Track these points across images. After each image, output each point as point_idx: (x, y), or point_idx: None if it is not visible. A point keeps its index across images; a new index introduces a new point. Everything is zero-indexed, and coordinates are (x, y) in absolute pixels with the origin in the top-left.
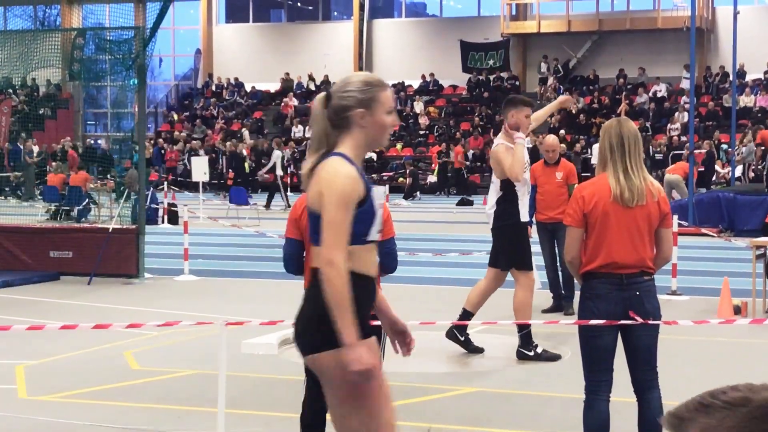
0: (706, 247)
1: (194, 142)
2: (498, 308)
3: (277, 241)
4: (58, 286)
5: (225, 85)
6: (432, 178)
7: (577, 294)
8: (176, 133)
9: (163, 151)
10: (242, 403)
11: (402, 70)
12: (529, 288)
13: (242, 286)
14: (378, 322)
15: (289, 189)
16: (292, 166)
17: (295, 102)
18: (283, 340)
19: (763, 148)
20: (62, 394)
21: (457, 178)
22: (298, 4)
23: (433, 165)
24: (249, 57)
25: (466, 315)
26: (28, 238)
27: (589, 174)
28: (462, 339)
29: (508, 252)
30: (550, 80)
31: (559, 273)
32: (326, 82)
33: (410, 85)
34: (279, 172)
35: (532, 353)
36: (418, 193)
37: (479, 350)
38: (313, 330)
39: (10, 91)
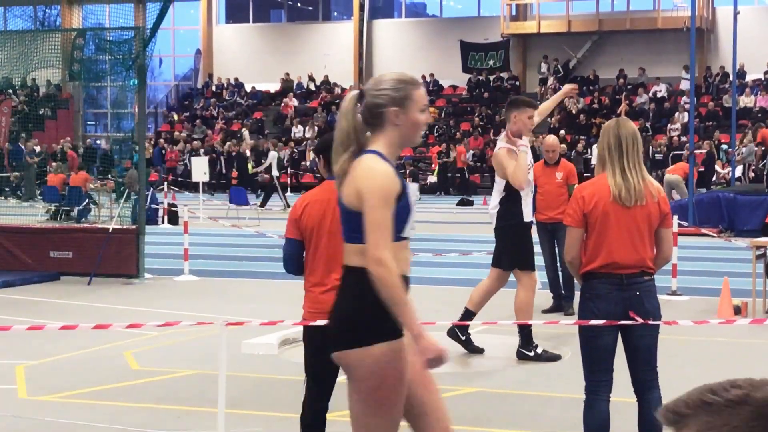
0: (706, 247)
1: (195, 142)
2: (498, 308)
3: (277, 241)
4: (58, 287)
5: (225, 86)
6: (432, 178)
7: (577, 294)
8: (176, 133)
9: (163, 152)
10: (242, 403)
11: (402, 70)
12: (531, 288)
13: (242, 286)
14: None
15: (289, 189)
16: (290, 167)
17: (295, 102)
18: (283, 340)
19: (763, 148)
20: (62, 394)
21: (460, 178)
22: (298, 5)
23: (433, 165)
24: (249, 57)
25: (468, 315)
26: (29, 239)
27: (590, 174)
28: (463, 338)
29: (510, 252)
30: (550, 80)
31: (559, 273)
32: (326, 83)
33: None
34: (275, 172)
35: (532, 353)
36: (418, 193)
37: (479, 350)
38: (344, 328)
39: (10, 91)
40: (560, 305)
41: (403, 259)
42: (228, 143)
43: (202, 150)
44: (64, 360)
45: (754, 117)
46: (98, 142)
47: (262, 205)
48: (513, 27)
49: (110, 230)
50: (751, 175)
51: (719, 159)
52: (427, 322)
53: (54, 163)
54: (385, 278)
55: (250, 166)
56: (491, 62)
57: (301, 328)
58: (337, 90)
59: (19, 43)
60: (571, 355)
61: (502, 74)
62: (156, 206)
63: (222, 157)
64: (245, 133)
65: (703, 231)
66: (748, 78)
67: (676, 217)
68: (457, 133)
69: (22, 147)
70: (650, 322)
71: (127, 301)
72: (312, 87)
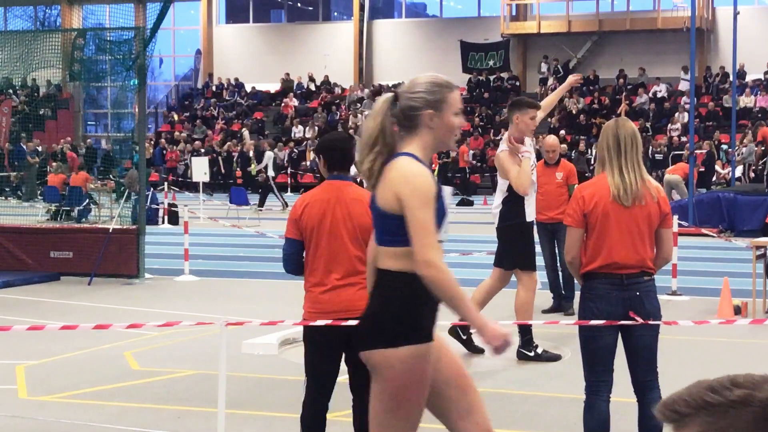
0: (706, 247)
1: (196, 142)
2: (498, 308)
3: (277, 241)
4: (59, 287)
5: (225, 86)
6: None
7: (578, 294)
8: (176, 133)
9: (164, 152)
10: (242, 403)
11: (402, 70)
12: (531, 289)
13: (242, 286)
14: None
15: (289, 189)
16: (290, 166)
17: (295, 102)
18: (283, 340)
19: (763, 147)
20: (62, 394)
21: (462, 178)
22: (298, 5)
23: (433, 165)
24: (249, 57)
25: None
26: (29, 239)
27: (591, 175)
28: (464, 338)
29: (512, 252)
30: (551, 80)
31: (559, 273)
32: (326, 83)
33: None
34: (271, 172)
35: (532, 353)
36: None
37: (480, 350)
38: (373, 329)
39: (11, 91)
40: (560, 305)
41: None
42: (228, 143)
43: (202, 150)
44: (64, 360)
45: (754, 117)
46: (98, 142)
47: (260, 205)
48: (513, 27)
49: (110, 230)
50: (752, 175)
51: (719, 159)
52: None
53: (54, 163)
54: (439, 279)
55: (253, 166)
56: (491, 62)
57: (301, 328)
58: (337, 90)
59: (20, 44)
60: (571, 355)
61: (502, 74)
62: (156, 206)
63: (220, 158)
64: (245, 133)
65: (703, 231)
66: (748, 78)
67: (676, 217)
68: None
69: (24, 147)
70: (650, 322)
71: (127, 301)
72: (312, 87)
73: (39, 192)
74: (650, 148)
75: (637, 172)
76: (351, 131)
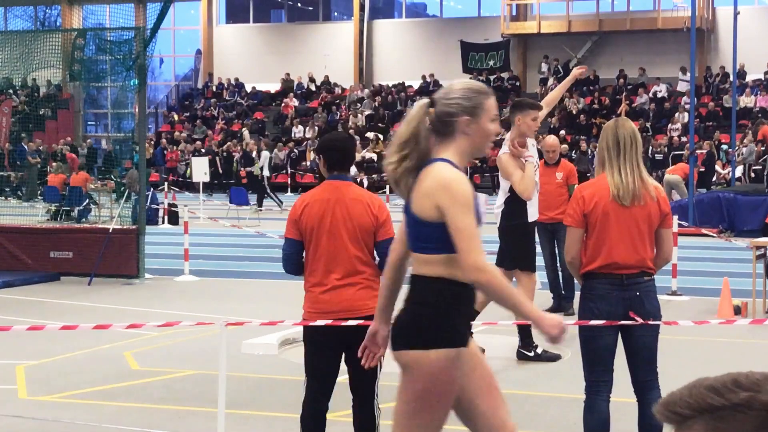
0: (706, 247)
1: (197, 143)
2: (498, 308)
3: (277, 242)
4: (59, 287)
5: (225, 86)
6: None
7: (577, 294)
8: (176, 133)
9: (165, 152)
10: (242, 403)
11: (402, 70)
12: (530, 290)
13: (242, 286)
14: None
15: (288, 189)
16: (290, 167)
17: (295, 102)
18: (283, 340)
19: (763, 147)
20: (62, 394)
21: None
22: (298, 5)
23: None
24: (249, 57)
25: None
26: (29, 239)
27: (592, 175)
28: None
29: (513, 252)
30: (551, 81)
31: (559, 273)
32: (326, 83)
33: (410, 86)
34: (266, 172)
35: (532, 353)
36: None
37: (480, 350)
38: (407, 331)
39: (11, 91)
40: (560, 305)
41: None
42: (228, 143)
43: (203, 150)
44: (64, 360)
45: (754, 117)
46: (97, 141)
47: (259, 205)
48: (513, 27)
49: (110, 230)
50: (752, 175)
51: (719, 159)
52: None
53: (54, 164)
54: (490, 282)
55: (256, 165)
56: (491, 62)
57: (301, 328)
58: (337, 90)
59: (20, 44)
60: (571, 355)
61: (502, 74)
62: (156, 206)
63: (218, 158)
64: (245, 133)
65: (703, 231)
66: (748, 78)
67: (676, 217)
68: None
69: (26, 147)
70: (650, 322)
71: (127, 302)
72: (312, 87)
73: (39, 192)
74: (650, 148)
75: (637, 172)
76: (351, 131)
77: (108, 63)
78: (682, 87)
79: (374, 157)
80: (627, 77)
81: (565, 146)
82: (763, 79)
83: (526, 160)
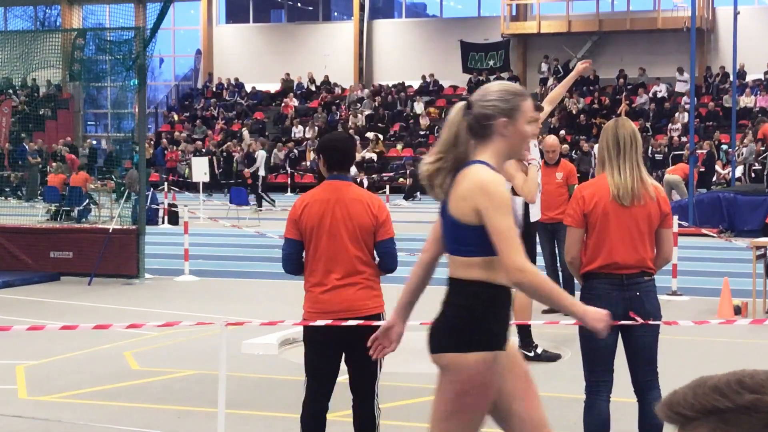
0: (706, 247)
1: (197, 143)
2: None
3: (277, 242)
4: (59, 287)
5: (225, 86)
6: None
7: (578, 294)
8: (176, 133)
9: (165, 152)
10: (242, 403)
11: (402, 70)
12: None
13: (242, 286)
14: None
15: (288, 189)
16: (290, 166)
17: (295, 102)
18: (283, 340)
19: (763, 147)
20: (62, 394)
21: None
22: (298, 5)
23: None
24: (249, 57)
25: None
26: (29, 239)
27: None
28: None
29: None
30: (551, 81)
31: (559, 273)
32: (326, 83)
33: (410, 86)
34: (261, 172)
35: (532, 353)
36: (418, 193)
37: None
38: (443, 334)
39: (11, 91)
40: None
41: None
42: (228, 143)
43: (203, 150)
44: (64, 360)
45: (754, 117)
46: (98, 141)
47: (259, 205)
48: (513, 27)
49: (110, 230)
50: (752, 175)
51: (719, 159)
52: (427, 322)
53: (54, 164)
54: (533, 282)
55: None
56: (491, 62)
57: (301, 328)
58: (337, 90)
59: (20, 44)
60: (571, 355)
61: (502, 74)
62: (156, 206)
63: (215, 158)
64: (245, 133)
65: (703, 231)
66: (748, 78)
67: (676, 217)
68: None
69: (26, 147)
70: (650, 322)
71: (127, 302)
72: (312, 87)
73: (39, 192)
74: (650, 148)
75: (637, 172)
76: (351, 131)
77: (108, 63)
78: (680, 87)
79: (374, 157)
80: (627, 77)
81: (565, 146)
82: (763, 79)
83: (529, 163)
